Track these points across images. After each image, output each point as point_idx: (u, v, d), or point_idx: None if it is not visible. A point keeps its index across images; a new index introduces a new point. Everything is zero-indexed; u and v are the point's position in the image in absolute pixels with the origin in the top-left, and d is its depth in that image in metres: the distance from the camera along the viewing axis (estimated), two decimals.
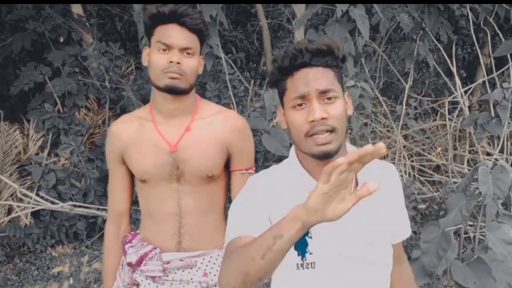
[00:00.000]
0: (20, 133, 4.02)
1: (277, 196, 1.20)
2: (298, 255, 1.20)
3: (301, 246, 1.19)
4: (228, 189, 1.69)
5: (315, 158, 1.15)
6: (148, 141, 1.56)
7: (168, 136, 1.55)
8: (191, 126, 1.56)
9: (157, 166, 1.54)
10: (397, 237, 1.35)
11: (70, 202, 3.54)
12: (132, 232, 1.70)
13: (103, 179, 3.81)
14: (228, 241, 1.16)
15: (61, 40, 4.32)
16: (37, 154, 3.93)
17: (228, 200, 1.61)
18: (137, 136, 1.58)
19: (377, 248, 1.23)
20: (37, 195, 3.55)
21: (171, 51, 1.46)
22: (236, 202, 1.26)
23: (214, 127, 1.57)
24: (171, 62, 1.45)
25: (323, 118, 1.11)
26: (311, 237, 1.19)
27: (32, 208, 3.47)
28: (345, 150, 1.24)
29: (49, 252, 3.71)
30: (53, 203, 3.46)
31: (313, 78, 1.14)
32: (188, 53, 1.48)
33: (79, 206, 3.51)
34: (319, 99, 1.13)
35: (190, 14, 1.47)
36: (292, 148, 1.29)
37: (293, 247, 1.16)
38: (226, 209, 1.63)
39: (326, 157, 1.13)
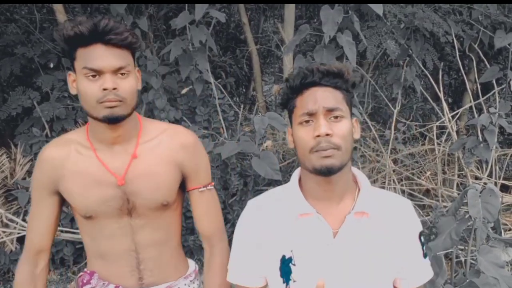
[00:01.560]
0: (7, 157, 3.97)
1: (269, 226, 1.24)
2: (283, 282, 1.21)
3: (285, 273, 1.20)
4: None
5: (317, 174, 1.15)
6: (89, 173, 1.36)
7: (113, 167, 1.37)
8: (137, 152, 1.39)
9: (104, 202, 1.36)
10: (408, 280, 1.27)
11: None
12: (87, 271, 1.48)
13: None
14: (231, 279, 1.34)
15: (51, 65, 4.31)
16: (24, 179, 3.87)
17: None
18: (75, 166, 1.37)
19: (367, 283, 1.19)
20: (24, 220, 3.49)
21: (102, 76, 1.25)
22: (235, 237, 1.32)
23: (163, 148, 1.41)
24: (105, 89, 1.25)
25: (327, 134, 1.12)
26: (294, 264, 1.19)
27: (18, 233, 3.41)
28: (350, 173, 1.25)
29: None
30: None
31: (321, 97, 1.16)
32: (122, 74, 1.28)
33: (66, 232, 3.45)
34: (326, 116, 1.14)
35: (115, 28, 1.25)
36: (295, 171, 1.30)
37: (279, 273, 1.21)
38: (182, 235, 1.57)
39: (328, 172, 1.13)
